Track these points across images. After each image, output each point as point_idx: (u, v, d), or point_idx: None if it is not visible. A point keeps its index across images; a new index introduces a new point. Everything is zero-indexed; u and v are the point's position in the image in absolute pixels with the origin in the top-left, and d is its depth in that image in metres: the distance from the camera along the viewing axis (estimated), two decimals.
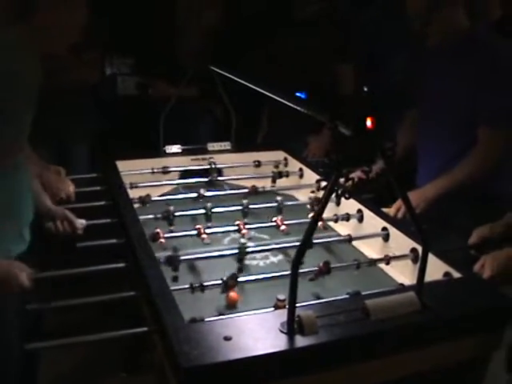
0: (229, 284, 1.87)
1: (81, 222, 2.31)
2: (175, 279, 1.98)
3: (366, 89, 2.74)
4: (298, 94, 1.82)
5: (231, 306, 1.87)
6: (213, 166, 2.99)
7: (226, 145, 3.21)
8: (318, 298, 1.91)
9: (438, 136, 2.65)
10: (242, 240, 2.16)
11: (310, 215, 2.58)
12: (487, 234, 2.18)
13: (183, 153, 3.11)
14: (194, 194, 2.66)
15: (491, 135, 2.49)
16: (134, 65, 3.67)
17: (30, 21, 1.88)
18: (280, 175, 3.03)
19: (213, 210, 2.47)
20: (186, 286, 1.84)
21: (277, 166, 3.12)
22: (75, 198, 2.56)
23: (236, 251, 2.12)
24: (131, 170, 2.85)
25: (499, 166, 2.53)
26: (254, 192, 2.76)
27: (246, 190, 2.77)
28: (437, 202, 2.53)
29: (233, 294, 1.88)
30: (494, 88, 2.44)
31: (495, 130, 2.49)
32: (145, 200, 2.57)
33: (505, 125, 2.49)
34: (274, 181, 3.03)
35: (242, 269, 2.13)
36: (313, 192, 2.76)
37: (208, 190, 2.72)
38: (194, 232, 2.31)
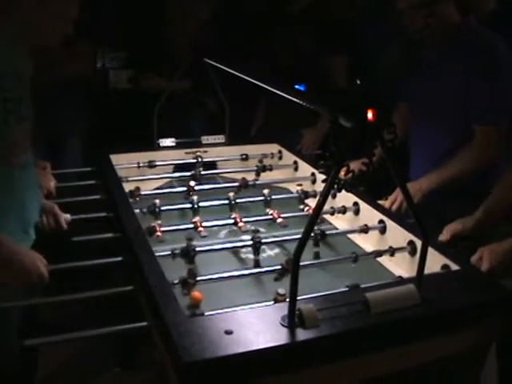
0: (188, 283, 1.84)
1: (66, 217, 2.29)
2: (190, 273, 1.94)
3: (358, 81, 2.73)
4: (296, 87, 1.81)
5: (195, 306, 1.80)
6: (199, 160, 2.98)
7: (220, 138, 3.20)
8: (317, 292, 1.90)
9: (430, 130, 2.66)
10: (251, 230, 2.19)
11: (302, 207, 2.60)
12: (459, 229, 2.18)
13: (177, 146, 3.10)
14: (183, 188, 2.65)
15: (486, 132, 2.49)
16: (125, 58, 3.65)
17: (15, 14, 1.87)
18: (264, 169, 3.01)
19: (200, 204, 2.45)
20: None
21: (261, 161, 3.10)
22: (70, 192, 2.54)
23: (249, 242, 2.14)
24: (125, 163, 2.84)
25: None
26: (245, 185, 2.74)
27: (237, 184, 2.76)
28: (430, 194, 2.53)
29: (196, 294, 1.83)
30: (486, 85, 2.45)
31: (489, 126, 2.49)
32: (134, 194, 2.55)
33: (499, 121, 2.50)
34: (258, 174, 2.99)
35: (258, 262, 2.12)
36: (300, 185, 2.74)
37: (197, 184, 2.70)
38: (191, 225, 2.29)
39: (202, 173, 2.92)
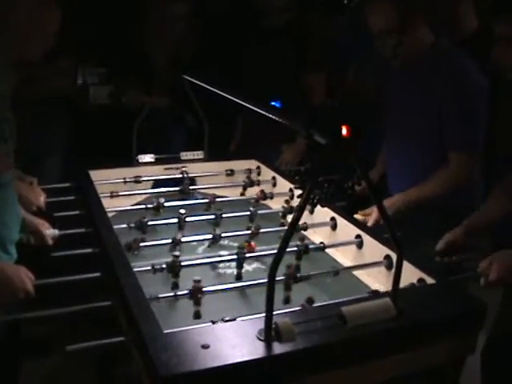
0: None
1: (53, 233, 2.29)
2: (175, 286, 1.97)
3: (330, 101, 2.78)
4: (272, 103, 1.83)
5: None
6: (185, 175, 2.99)
7: (199, 154, 3.21)
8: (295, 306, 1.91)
9: (404, 149, 2.70)
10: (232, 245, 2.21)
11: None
12: (453, 239, 2.21)
13: (156, 162, 3.11)
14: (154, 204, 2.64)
15: (462, 159, 2.52)
16: (106, 74, 3.65)
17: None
18: (251, 184, 3.04)
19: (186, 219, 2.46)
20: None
21: (248, 177, 3.13)
22: (49, 208, 2.54)
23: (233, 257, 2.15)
24: (104, 179, 2.85)
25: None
26: (213, 201, 2.76)
27: (207, 200, 2.78)
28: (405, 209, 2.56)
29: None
30: (459, 113, 2.48)
31: (464, 152, 2.52)
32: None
33: (474, 147, 2.53)
34: (244, 189, 3.03)
35: (240, 275, 2.14)
36: (287, 202, 2.76)
37: (176, 200, 2.72)
38: (169, 241, 2.30)
39: (190, 187, 2.95)
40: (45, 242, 2.25)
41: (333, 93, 3.73)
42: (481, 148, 2.53)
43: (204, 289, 1.85)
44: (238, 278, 2.14)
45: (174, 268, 1.98)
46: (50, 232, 2.28)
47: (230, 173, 3.14)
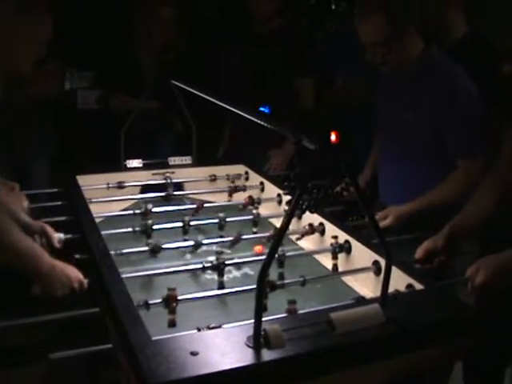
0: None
1: (59, 236, 2.26)
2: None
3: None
4: (261, 109, 1.83)
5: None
6: (169, 181, 2.99)
7: (187, 159, 3.21)
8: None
9: (397, 158, 2.68)
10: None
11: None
12: (432, 246, 2.21)
13: (144, 167, 3.10)
14: (141, 210, 2.63)
15: (469, 164, 2.50)
16: (94, 78, 3.65)
17: None
18: (236, 189, 3.04)
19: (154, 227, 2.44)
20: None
21: (233, 181, 3.12)
22: (35, 214, 2.52)
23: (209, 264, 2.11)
24: (92, 184, 2.84)
25: None
26: (201, 207, 2.74)
27: (194, 206, 2.76)
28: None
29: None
30: (458, 119, 2.47)
31: (471, 158, 2.50)
32: None
33: (480, 152, 2.50)
34: (230, 195, 3.03)
35: (223, 283, 2.10)
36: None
37: (160, 205, 2.71)
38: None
39: (175, 193, 2.94)
40: (53, 246, 2.23)
41: (321, 98, 3.74)
42: (485, 150, 2.50)
43: (179, 297, 1.83)
44: (220, 287, 2.08)
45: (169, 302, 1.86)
46: (57, 235, 2.26)
47: (216, 178, 3.13)
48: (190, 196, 3.00)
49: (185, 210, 2.75)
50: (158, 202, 2.76)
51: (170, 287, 1.85)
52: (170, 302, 1.81)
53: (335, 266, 2.30)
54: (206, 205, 2.79)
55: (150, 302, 1.81)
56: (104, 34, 3.64)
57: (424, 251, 2.20)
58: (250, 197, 2.86)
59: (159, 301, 1.82)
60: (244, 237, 2.43)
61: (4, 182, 2.54)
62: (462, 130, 2.49)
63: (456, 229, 2.22)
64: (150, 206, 2.63)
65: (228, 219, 2.56)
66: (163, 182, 3.01)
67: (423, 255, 2.19)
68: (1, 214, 1.84)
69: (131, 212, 2.65)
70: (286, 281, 2.05)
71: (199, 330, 1.67)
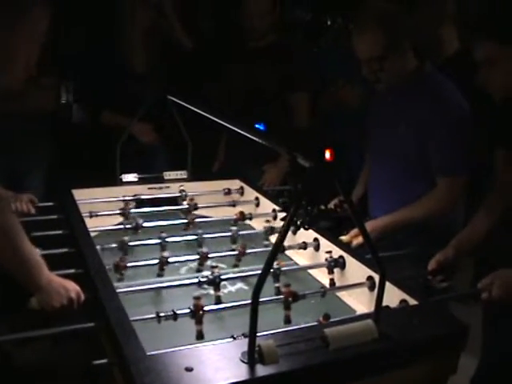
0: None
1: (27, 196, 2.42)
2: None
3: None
4: (256, 126, 1.84)
5: None
6: (182, 194, 3.02)
7: (183, 173, 3.22)
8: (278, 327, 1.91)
9: (388, 172, 2.71)
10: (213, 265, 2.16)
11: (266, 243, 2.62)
12: (443, 259, 2.24)
13: (139, 181, 3.11)
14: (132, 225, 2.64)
15: (449, 183, 2.52)
16: (89, 93, 3.65)
17: None
18: (230, 204, 3.05)
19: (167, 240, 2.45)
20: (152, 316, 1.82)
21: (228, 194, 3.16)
22: (30, 227, 2.52)
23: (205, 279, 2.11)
24: (87, 198, 2.84)
25: None
26: (192, 223, 2.75)
27: (186, 220, 2.77)
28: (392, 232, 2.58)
29: None
30: (445, 138, 2.48)
31: (452, 177, 2.52)
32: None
33: (461, 172, 2.53)
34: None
35: (219, 298, 2.10)
36: (268, 221, 2.77)
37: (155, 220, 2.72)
38: (155, 261, 2.29)
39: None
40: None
41: (316, 111, 3.76)
42: (468, 171, 2.53)
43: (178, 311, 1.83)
44: (217, 301, 2.08)
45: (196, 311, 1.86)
46: (26, 195, 2.45)
47: (211, 192, 3.14)
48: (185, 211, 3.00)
49: (177, 224, 2.75)
50: (152, 216, 2.76)
51: (195, 295, 1.87)
52: (197, 311, 1.83)
53: (332, 281, 2.31)
54: (197, 220, 2.79)
55: (178, 311, 1.82)
56: (100, 49, 3.64)
57: (437, 263, 2.25)
58: (242, 212, 2.86)
59: (187, 311, 1.83)
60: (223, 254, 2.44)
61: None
62: (444, 147, 2.50)
63: (463, 241, 2.26)
64: (140, 220, 2.64)
65: (210, 235, 2.57)
66: (158, 196, 3.03)
67: (436, 266, 2.24)
68: (14, 220, 1.87)
69: (122, 227, 2.65)
70: (307, 292, 2.06)
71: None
